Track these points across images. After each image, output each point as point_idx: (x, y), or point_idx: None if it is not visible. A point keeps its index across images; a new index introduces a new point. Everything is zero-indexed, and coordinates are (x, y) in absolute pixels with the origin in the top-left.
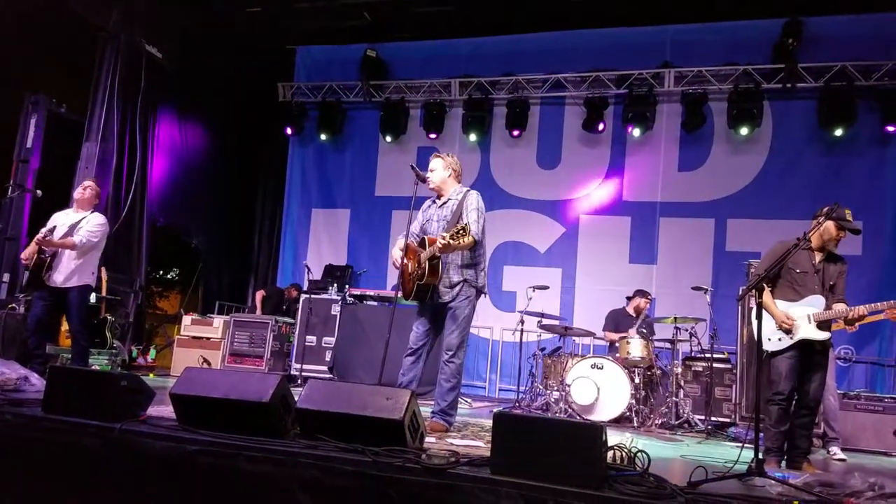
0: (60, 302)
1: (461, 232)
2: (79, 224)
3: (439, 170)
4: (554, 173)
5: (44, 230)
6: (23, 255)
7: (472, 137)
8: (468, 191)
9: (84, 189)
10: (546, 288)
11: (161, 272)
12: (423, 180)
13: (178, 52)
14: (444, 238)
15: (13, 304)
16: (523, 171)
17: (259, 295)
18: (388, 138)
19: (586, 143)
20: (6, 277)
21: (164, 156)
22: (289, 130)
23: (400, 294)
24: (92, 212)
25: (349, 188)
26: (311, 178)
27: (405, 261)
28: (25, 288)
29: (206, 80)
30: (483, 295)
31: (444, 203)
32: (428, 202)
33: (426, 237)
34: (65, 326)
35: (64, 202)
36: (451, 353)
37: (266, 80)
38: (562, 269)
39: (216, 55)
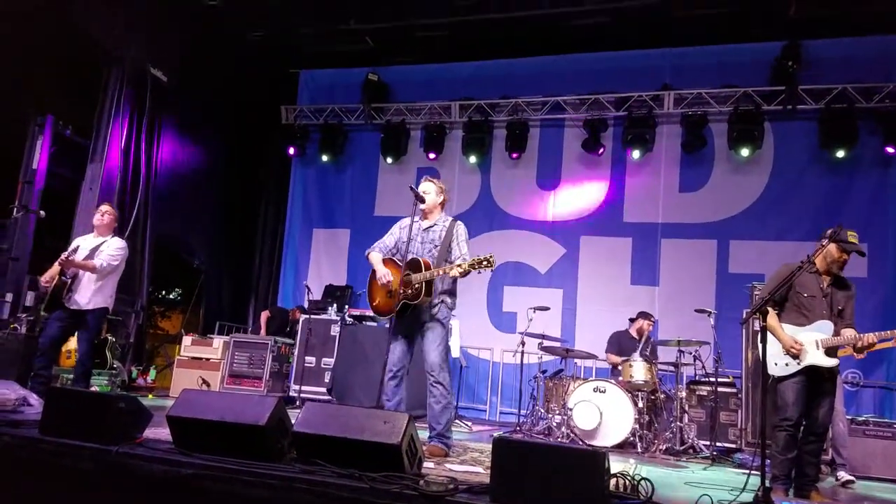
0: (76, 323)
1: (484, 263)
2: (99, 248)
3: (433, 194)
4: (554, 194)
5: (67, 252)
6: (43, 278)
7: (472, 159)
8: (455, 220)
9: (102, 215)
10: (547, 309)
11: (163, 292)
12: (422, 200)
13: (183, 75)
14: (461, 266)
15: (14, 325)
16: (523, 193)
17: (264, 316)
18: (389, 159)
19: (586, 164)
20: (9, 297)
21: (167, 177)
22: (291, 151)
23: (375, 310)
24: (112, 236)
25: (350, 209)
26: (312, 199)
27: (375, 282)
28: (45, 308)
29: (211, 102)
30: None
31: (431, 227)
32: (407, 220)
33: (420, 258)
34: (66, 347)
35: (67, 223)
36: (435, 373)
37: (269, 103)
38: (562, 290)
39: (221, 78)
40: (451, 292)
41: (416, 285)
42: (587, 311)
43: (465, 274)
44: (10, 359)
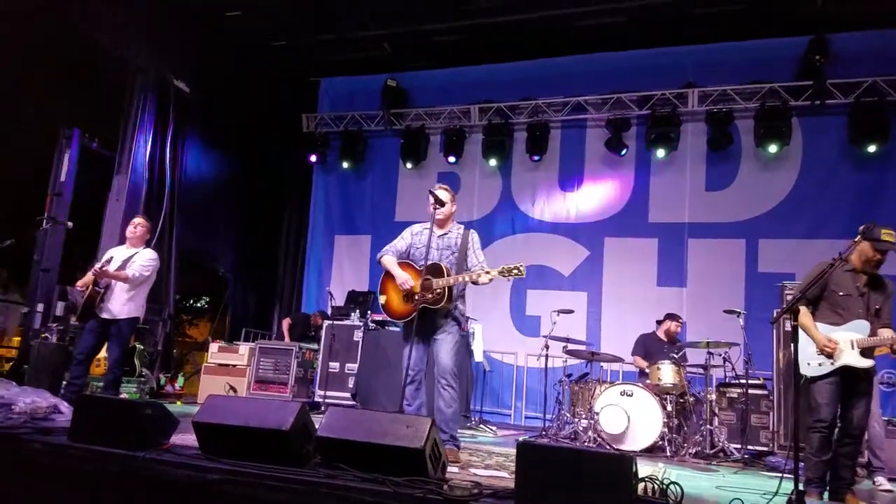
0: (109, 332)
1: (515, 271)
2: (132, 258)
3: (449, 204)
4: (576, 196)
5: (101, 261)
6: (79, 283)
7: (493, 162)
8: (467, 228)
9: (135, 227)
10: (571, 312)
11: (192, 301)
12: (442, 204)
13: (205, 85)
14: (490, 273)
15: (46, 334)
16: (545, 195)
17: (286, 323)
18: (409, 165)
19: (609, 164)
20: (40, 308)
21: (191, 187)
22: (313, 159)
23: (390, 313)
24: (144, 247)
25: (370, 214)
26: (333, 205)
27: (389, 285)
28: (79, 318)
29: (233, 112)
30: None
31: (445, 234)
32: (419, 227)
33: (441, 264)
34: (100, 355)
35: (95, 235)
36: (448, 376)
37: (290, 111)
38: (587, 292)
39: (242, 88)
40: (463, 297)
41: (438, 290)
42: (612, 313)
43: (491, 280)
44: (42, 367)
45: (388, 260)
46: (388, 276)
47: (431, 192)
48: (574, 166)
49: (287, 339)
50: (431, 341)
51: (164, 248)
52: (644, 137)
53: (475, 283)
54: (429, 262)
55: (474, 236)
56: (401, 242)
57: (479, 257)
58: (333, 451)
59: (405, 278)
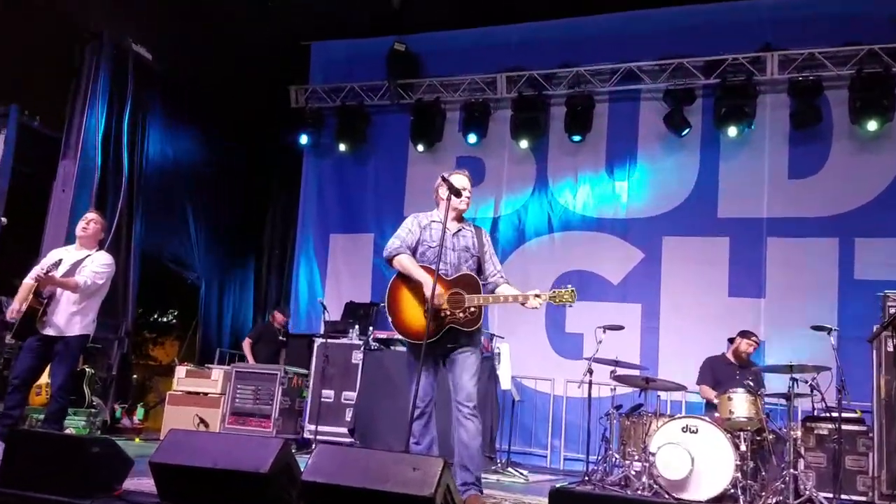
0: (52, 352)
1: (567, 297)
2: (83, 262)
3: (469, 193)
4: (628, 185)
5: (45, 265)
6: (10, 310)
7: (524, 143)
8: (478, 226)
9: (86, 224)
10: (621, 328)
11: (155, 315)
12: (458, 195)
13: (172, 52)
14: (541, 296)
15: None
16: (589, 184)
17: (246, 345)
18: (420, 147)
19: (668, 145)
20: None
21: (154, 175)
22: (303, 140)
23: (403, 330)
24: (97, 249)
25: (374, 209)
26: (328, 197)
27: (404, 294)
28: (15, 335)
29: (205, 84)
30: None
31: (459, 231)
32: (426, 218)
33: (473, 274)
34: (41, 380)
35: (37, 232)
36: (471, 404)
37: (276, 83)
38: (641, 304)
39: (216, 55)
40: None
41: (473, 309)
42: (672, 330)
43: (541, 304)
44: None
45: (408, 261)
46: (403, 280)
47: (445, 180)
48: (625, 148)
49: (251, 361)
50: (447, 362)
51: (121, 249)
52: (712, 112)
53: (522, 304)
54: (460, 272)
55: (487, 236)
56: (409, 236)
57: (497, 265)
58: (322, 499)
59: (435, 289)
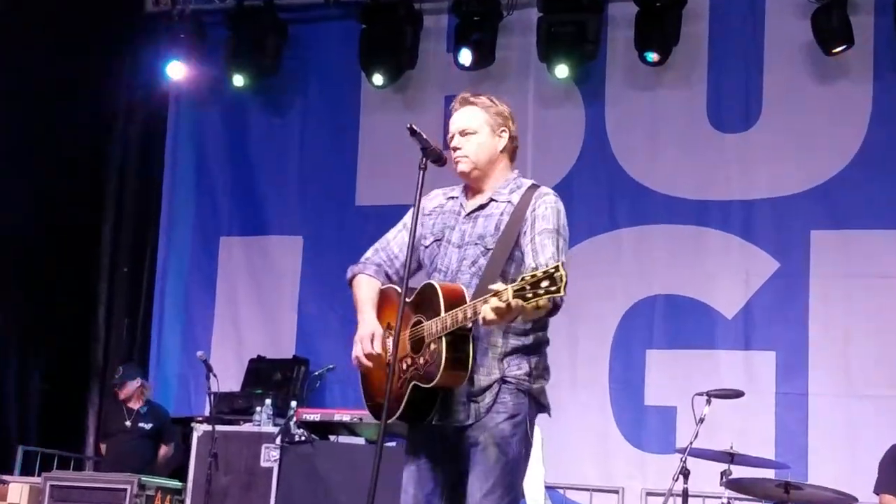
0: None
1: (547, 282)
2: None
3: (482, 133)
4: (748, 140)
5: None
6: None
7: (561, 71)
8: (537, 188)
9: None
10: (739, 395)
11: None
12: (439, 158)
13: None
14: (501, 296)
15: None
16: (679, 140)
17: (103, 448)
18: (379, 79)
19: (816, 74)
20: None
21: None
22: (173, 72)
23: (370, 412)
24: None
25: (300, 191)
26: (217, 174)
27: (383, 335)
28: None
29: None
30: (545, 412)
31: (482, 207)
32: (440, 196)
33: (440, 283)
34: None
35: None
36: None
37: None
38: (775, 352)
39: None
40: (526, 348)
41: (433, 345)
42: (832, 398)
43: (502, 317)
44: None
45: (358, 287)
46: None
47: (412, 130)
48: (742, 77)
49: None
50: (455, 466)
51: None
52: (892, 15)
53: (470, 324)
54: (456, 282)
55: (543, 204)
56: (399, 237)
57: (540, 253)
58: None
59: (366, 332)
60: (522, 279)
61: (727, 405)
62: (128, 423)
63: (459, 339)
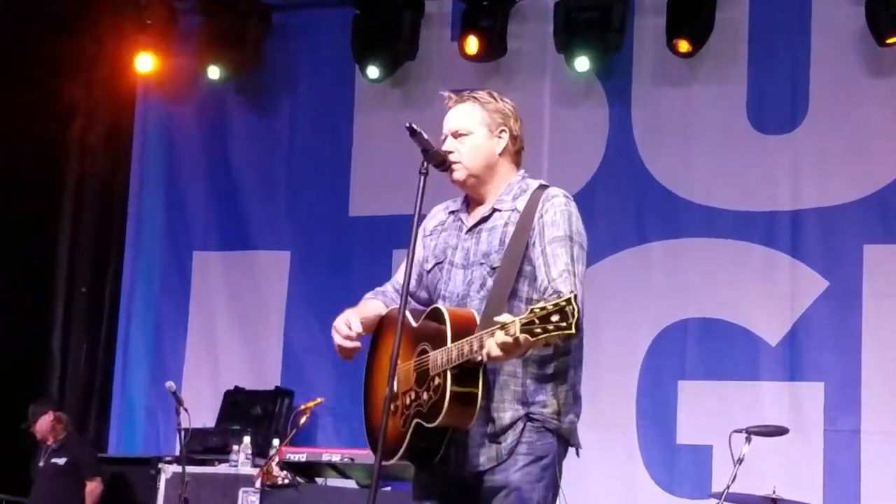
0: None
1: (557, 316)
2: None
3: (477, 134)
4: (793, 142)
5: None
6: None
7: (581, 63)
8: (545, 189)
9: None
10: (783, 433)
11: None
12: (443, 161)
13: None
14: (508, 329)
15: None
16: (715, 142)
17: None
18: (374, 71)
19: (870, 67)
20: None
21: None
22: (143, 64)
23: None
24: None
25: (286, 200)
26: (189, 178)
27: (376, 363)
28: None
29: None
30: (574, 450)
31: (484, 220)
32: (441, 212)
33: (446, 307)
34: None
35: None
36: None
37: None
38: (824, 384)
39: None
40: (558, 377)
41: (437, 379)
42: (887, 434)
43: (510, 353)
44: None
45: (357, 304)
46: (378, 341)
47: (412, 130)
48: (786, 69)
49: None
50: (487, 499)
51: None
52: None
53: (474, 360)
54: (464, 306)
55: (552, 209)
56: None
57: (552, 266)
58: None
59: (342, 317)
60: (532, 311)
61: (769, 444)
62: (41, 463)
63: (467, 373)
